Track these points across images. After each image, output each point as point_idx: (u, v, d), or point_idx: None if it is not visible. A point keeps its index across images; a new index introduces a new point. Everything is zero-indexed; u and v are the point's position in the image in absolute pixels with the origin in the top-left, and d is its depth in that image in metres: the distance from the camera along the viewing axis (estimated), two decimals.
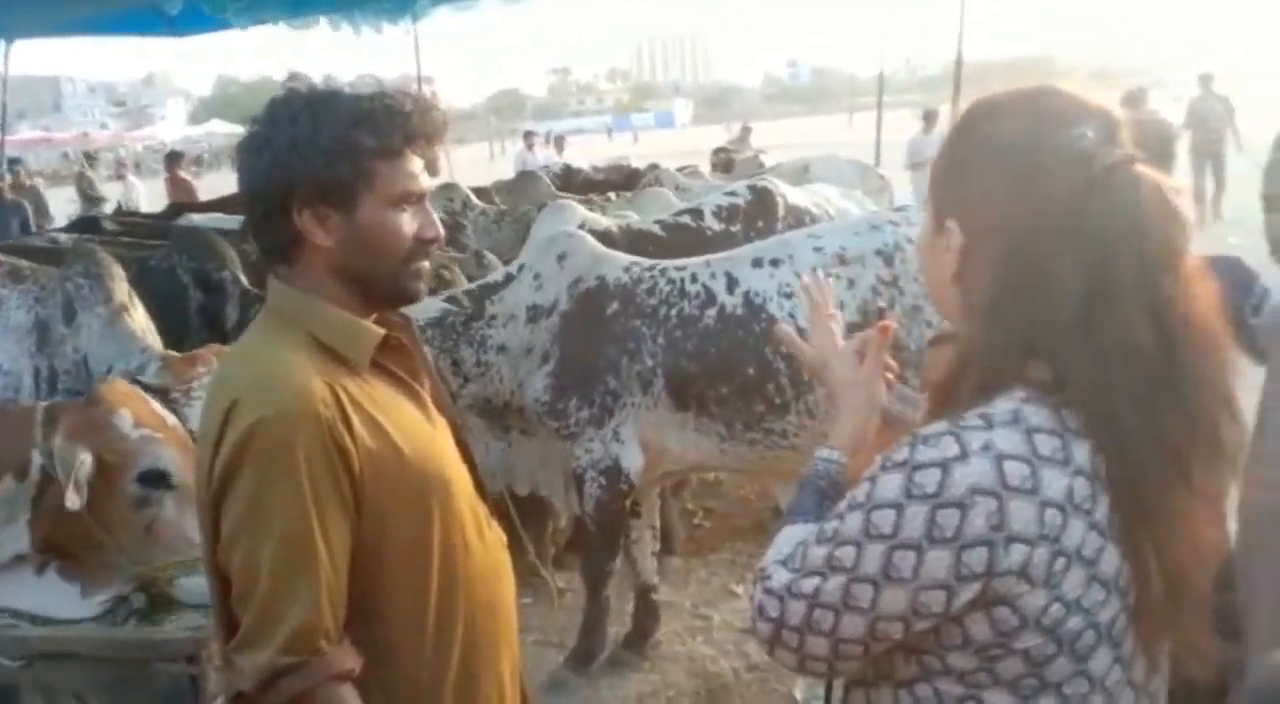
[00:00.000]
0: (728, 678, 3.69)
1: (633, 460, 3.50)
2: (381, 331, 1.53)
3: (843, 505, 1.16)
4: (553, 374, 3.53)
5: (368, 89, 1.55)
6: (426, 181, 1.57)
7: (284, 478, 1.38)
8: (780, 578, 1.17)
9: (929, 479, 1.08)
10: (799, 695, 3.52)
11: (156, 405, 2.47)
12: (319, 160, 1.45)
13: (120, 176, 15.33)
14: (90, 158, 19.93)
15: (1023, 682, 1.13)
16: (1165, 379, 1.12)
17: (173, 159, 13.60)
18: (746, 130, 16.61)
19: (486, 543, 1.62)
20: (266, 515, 1.39)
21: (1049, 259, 1.12)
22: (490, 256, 5.15)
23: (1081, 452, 1.10)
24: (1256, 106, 10.08)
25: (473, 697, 1.57)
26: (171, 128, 59.08)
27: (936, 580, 1.08)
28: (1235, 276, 2.40)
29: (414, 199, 1.53)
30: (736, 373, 3.41)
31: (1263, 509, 2.09)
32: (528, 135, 17.45)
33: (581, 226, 4.84)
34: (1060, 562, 1.07)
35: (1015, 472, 1.07)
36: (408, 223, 1.52)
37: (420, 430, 1.54)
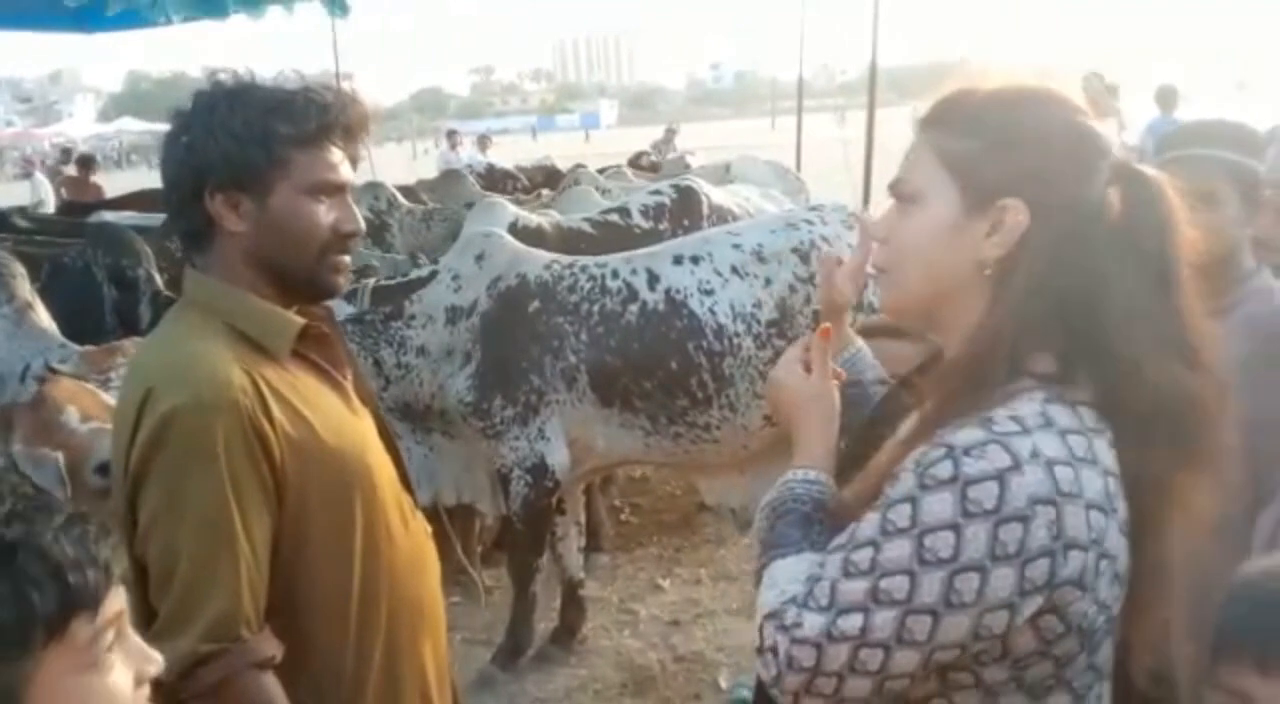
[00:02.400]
0: (654, 670, 3.73)
1: (558, 458, 3.52)
2: (301, 320, 1.53)
3: (870, 531, 1.07)
4: (475, 374, 3.52)
5: (290, 83, 1.54)
6: (349, 175, 1.56)
7: (202, 466, 1.36)
8: (814, 623, 1.07)
9: (986, 494, 1.02)
10: (724, 684, 3.58)
11: (103, 395, 2.47)
12: (231, 144, 1.45)
13: (27, 175, 14.79)
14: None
15: (1042, 684, 1.09)
16: (1188, 385, 1.10)
17: (85, 163, 12.93)
18: (671, 132, 16.63)
19: (410, 533, 1.62)
20: (184, 503, 1.37)
21: (1098, 244, 1.10)
22: (424, 260, 5.14)
23: (1105, 451, 1.08)
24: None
25: (397, 685, 1.57)
26: (80, 125, 57.20)
27: (1001, 600, 1.02)
28: None
29: (332, 190, 1.52)
30: (659, 368, 3.45)
31: None
32: (451, 134, 17.27)
33: (514, 224, 4.87)
34: (1103, 564, 1.05)
35: (1065, 477, 1.03)
36: (324, 214, 1.50)
37: (343, 420, 1.54)
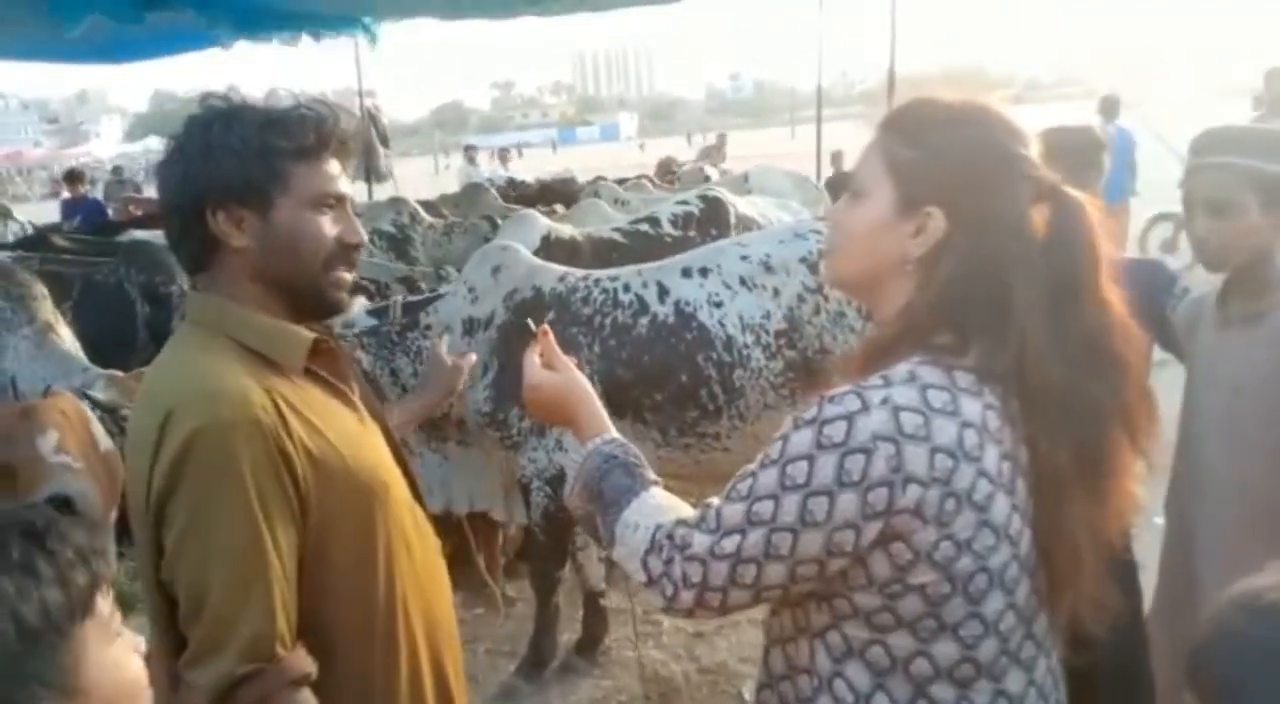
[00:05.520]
0: (678, 681, 3.72)
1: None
2: (311, 334, 1.52)
3: (753, 466, 1.25)
4: (493, 385, 3.54)
5: (283, 100, 1.56)
6: (348, 187, 1.56)
7: (228, 486, 1.35)
8: (702, 542, 1.23)
9: (836, 430, 1.18)
10: (748, 697, 3.57)
11: (99, 432, 2.43)
12: (230, 161, 1.45)
13: (55, 194, 15.02)
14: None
15: (922, 623, 1.22)
16: (1087, 384, 1.23)
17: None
18: (722, 137, 16.59)
19: (425, 546, 1.63)
20: (212, 526, 1.35)
21: (1008, 256, 1.23)
22: (451, 271, 5.21)
23: (971, 406, 1.21)
24: (1185, 123, 9.96)
25: (423, 697, 1.57)
26: (106, 145, 58.06)
27: (847, 520, 1.17)
28: (1157, 278, 2.51)
29: (334, 202, 1.52)
30: (670, 380, 3.44)
31: (1184, 499, 2.18)
32: (468, 148, 17.41)
33: (547, 236, 4.91)
34: (950, 502, 1.17)
35: (910, 421, 1.17)
36: (329, 226, 1.51)
37: (356, 434, 1.54)
